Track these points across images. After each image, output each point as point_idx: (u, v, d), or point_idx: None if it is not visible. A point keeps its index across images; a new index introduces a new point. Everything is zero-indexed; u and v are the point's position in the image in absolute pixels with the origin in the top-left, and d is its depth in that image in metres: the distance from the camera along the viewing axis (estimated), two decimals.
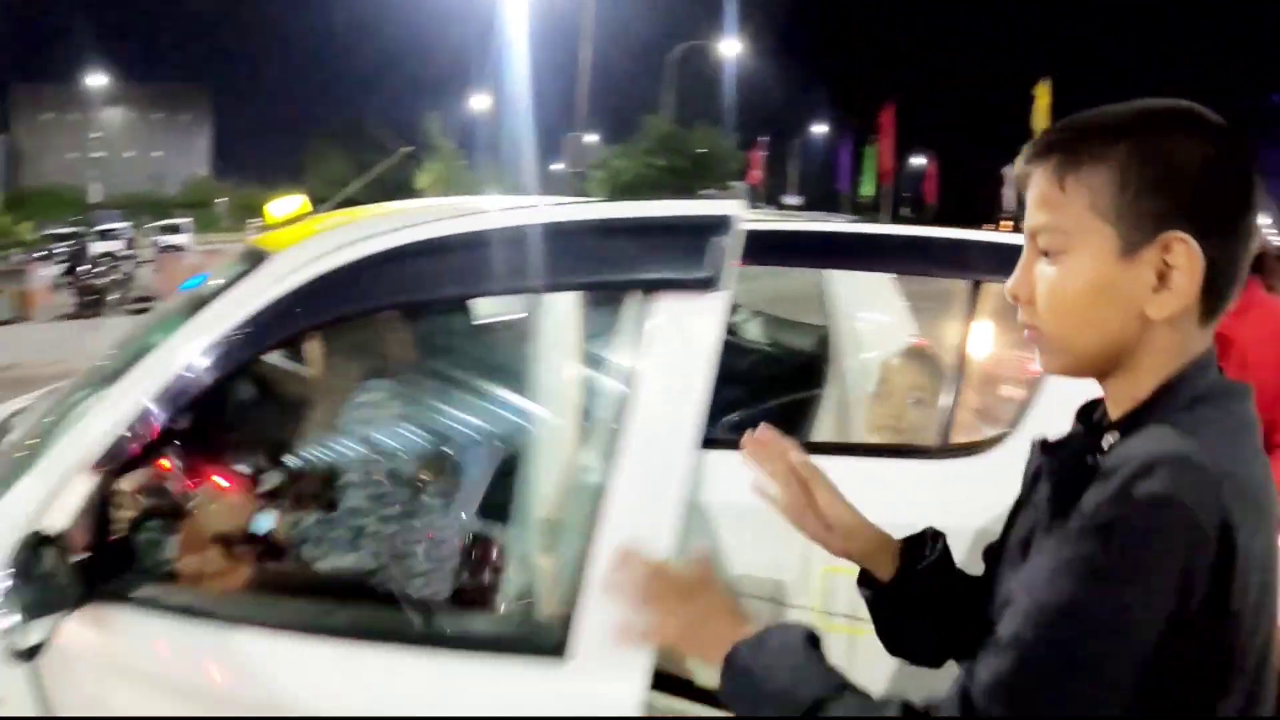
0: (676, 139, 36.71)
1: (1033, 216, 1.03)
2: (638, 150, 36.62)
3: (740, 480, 1.35)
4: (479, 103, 42.08)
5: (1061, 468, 1.05)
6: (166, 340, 1.76)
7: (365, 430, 2.14)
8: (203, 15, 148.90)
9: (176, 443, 1.78)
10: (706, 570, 1.29)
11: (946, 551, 1.31)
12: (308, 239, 1.90)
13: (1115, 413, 1.04)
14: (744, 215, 1.56)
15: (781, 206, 27.66)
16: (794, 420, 2.83)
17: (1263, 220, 1.07)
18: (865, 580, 1.33)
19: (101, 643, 1.63)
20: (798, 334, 3.60)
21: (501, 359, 2.18)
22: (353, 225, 1.93)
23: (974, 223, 4.40)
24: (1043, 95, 18.31)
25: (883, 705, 0.99)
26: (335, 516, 2.08)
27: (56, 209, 54.63)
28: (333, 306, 1.71)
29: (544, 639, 1.49)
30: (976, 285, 2.09)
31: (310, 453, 2.25)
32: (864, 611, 1.35)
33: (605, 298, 1.69)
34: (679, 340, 1.50)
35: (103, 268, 18.41)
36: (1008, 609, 0.94)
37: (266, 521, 2.11)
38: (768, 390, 2.98)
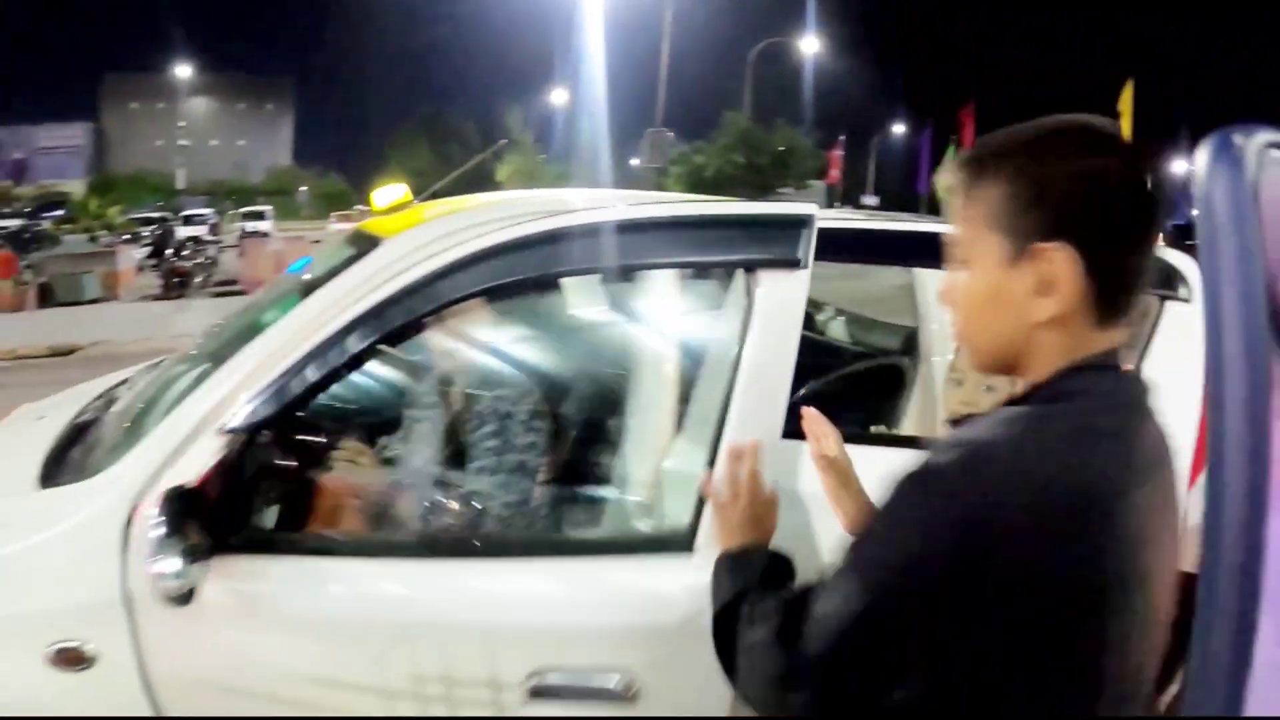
0: (755, 136, 36.66)
1: (951, 228, 1.12)
2: (718, 147, 36.61)
3: None
4: (558, 98, 42.44)
5: None
6: (288, 315, 1.86)
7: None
8: (288, 7, 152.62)
9: (299, 411, 1.86)
10: (758, 492, 1.43)
11: None
12: (417, 226, 2.00)
13: None
14: (821, 213, 1.89)
15: (859, 206, 27.43)
16: (886, 416, 2.94)
17: None
18: None
19: (242, 589, 1.74)
20: (891, 334, 3.65)
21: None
22: (462, 214, 2.04)
23: None
24: (1126, 96, 17.80)
25: (765, 597, 1.17)
26: (497, 447, 2.15)
27: (143, 194, 56.53)
28: (478, 282, 1.86)
29: (676, 540, 1.79)
30: None
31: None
32: None
33: (720, 274, 2.11)
34: (778, 305, 1.86)
35: (188, 251, 18.94)
36: None
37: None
38: (858, 390, 3.08)
